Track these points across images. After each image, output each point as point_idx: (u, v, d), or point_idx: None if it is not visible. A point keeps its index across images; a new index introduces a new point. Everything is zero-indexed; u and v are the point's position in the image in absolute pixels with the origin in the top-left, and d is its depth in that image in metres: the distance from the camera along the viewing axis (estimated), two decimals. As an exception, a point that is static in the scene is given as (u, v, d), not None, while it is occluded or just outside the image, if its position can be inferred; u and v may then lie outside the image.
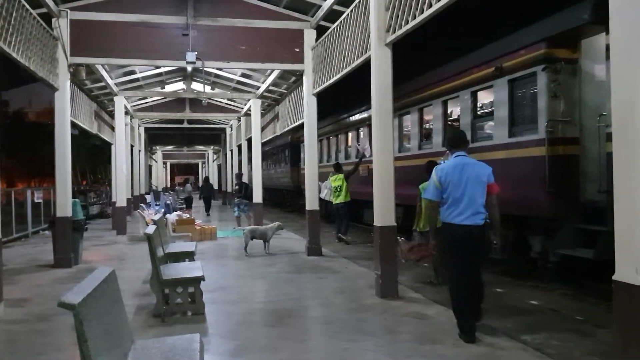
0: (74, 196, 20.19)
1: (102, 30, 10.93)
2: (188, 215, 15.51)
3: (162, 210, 15.21)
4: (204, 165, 54.92)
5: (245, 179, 18.83)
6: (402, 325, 6.19)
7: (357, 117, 17.20)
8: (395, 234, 7.76)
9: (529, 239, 9.16)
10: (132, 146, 24.88)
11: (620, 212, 3.45)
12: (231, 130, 28.43)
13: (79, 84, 13.92)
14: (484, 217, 5.50)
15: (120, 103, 16.33)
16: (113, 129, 17.63)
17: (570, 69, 8.12)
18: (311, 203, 11.81)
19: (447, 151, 5.95)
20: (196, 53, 10.90)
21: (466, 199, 5.45)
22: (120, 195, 16.02)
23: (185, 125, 28.22)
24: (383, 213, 7.60)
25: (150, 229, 6.97)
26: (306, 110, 11.79)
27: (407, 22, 6.81)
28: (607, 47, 7.46)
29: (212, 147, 41.34)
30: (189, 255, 8.83)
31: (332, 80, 10.16)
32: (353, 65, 8.91)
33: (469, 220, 5.42)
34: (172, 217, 13.62)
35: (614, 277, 3.50)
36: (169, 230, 12.41)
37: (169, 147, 43.36)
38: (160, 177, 48.23)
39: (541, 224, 8.66)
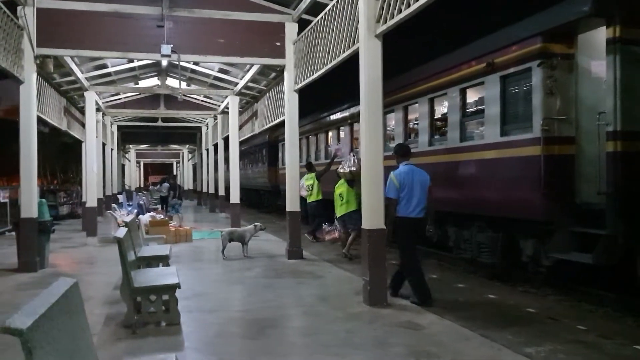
0: (42, 196, 19.49)
1: (71, 20, 10.28)
2: (162, 216, 14.87)
3: (135, 211, 14.55)
4: (178, 164, 53.97)
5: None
6: (393, 336, 5.73)
7: (338, 115, 16.76)
8: (385, 237, 7.31)
9: (520, 243, 8.80)
10: (104, 144, 24.10)
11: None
12: (207, 129, 27.76)
13: (46, 77, 13.19)
14: (424, 212, 7.34)
15: (91, 99, 15.57)
16: (83, 125, 16.87)
17: (567, 65, 7.78)
18: (292, 204, 11.31)
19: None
20: (171, 46, 10.31)
21: (416, 198, 7.21)
22: (91, 195, 15.31)
23: (160, 123, 27.43)
24: (372, 215, 7.14)
25: (121, 232, 6.41)
26: (287, 107, 11.27)
27: (399, 11, 6.36)
28: (607, 42, 7.14)
29: (187, 146, 40.54)
30: (163, 260, 8.29)
31: (315, 75, 9.68)
32: (339, 58, 8.44)
33: (420, 214, 7.23)
34: (145, 218, 12.99)
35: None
36: (142, 232, 11.78)
37: (143, 146, 42.41)
38: (134, 176, 47.18)
39: (534, 226, 8.30)
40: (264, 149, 27.06)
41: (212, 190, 27.22)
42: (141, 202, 16.85)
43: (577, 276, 8.22)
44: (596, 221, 7.24)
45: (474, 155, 9.41)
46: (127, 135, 33.13)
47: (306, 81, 10.28)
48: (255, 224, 11.95)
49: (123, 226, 8.60)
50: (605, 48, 7.16)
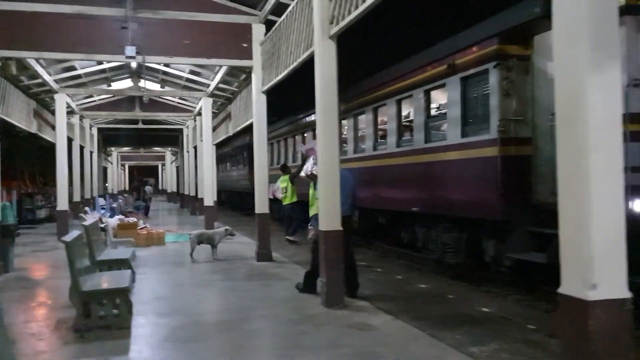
0: (19, 199, 19.28)
1: (34, 22, 10.22)
2: (135, 219, 14.78)
3: (107, 214, 14.49)
4: (163, 167, 53.71)
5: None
6: (344, 337, 5.72)
7: (313, 117, 16.74)
8: (342, 239, 7.31)
9: (482, 243, 8.84)
10: (83, 147, 23.96)
11: (566, 218, 3.06)
12: (188, 130, 27.64)
13: (12, 79, 13.06)
14: (350, 210, 7.84)
15: (61, 101, 15.44)
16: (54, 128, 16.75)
17: (523, 66, 7.82)
18: (261, 206, 11.31)
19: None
20: (136, 47, 10.27)
21: (343, 197, 7.36)
22: (62, 198, 15.17)
23: (141, 125, 27.29)
24: (329, 217, 7.13)
25: (70, 235, 6.36)
26: (255, 109, 11.25)
27: (349, 12, 6.37)
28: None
29: (169, 148, 40.31)
30: (124, 263, 8.22)
31: (279, 77, 9.67)
32: (299, 60, 8.45)
33: (346, 212, 7.50)
34: (113, 221, 12.90)
35: (559, 290, 3.10)
36: (110, 235, 11.72)
37: (126, 149, 42.16)
38: (117, 179, 46.81)
39: (494, 226, 8.35)
40: (244, 150, 26.95)
41: (193, 193, 27.08)
42: (114, 205, 16.75)
43: (544, 276, 8.23)
44: (551, 221, 7.25)
45: (438, 157, 9.45)
46: (109, 138, 32.90)
47: (272, 82, 10.26)
48: (226, 227, 11.92)
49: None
50: (558, 49, 7.19)
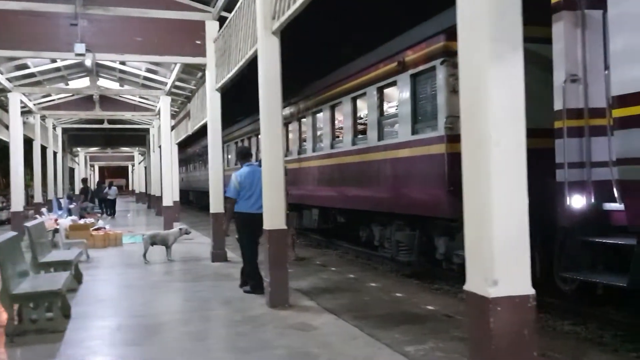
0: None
1: (-21, 18, 9.92)
2: (92, 220, 14.49)
3: (64, 215, 14.18)
4: (133, 167, 53.00)
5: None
6: (282, 338, 5.63)
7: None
8: (286, 237, 7.23)
9: (434, 240, 8.83)
10: (45, 147, 23.47)
11: (470, 219, 3.01)
12: (154, 130, 27.24)
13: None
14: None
15: (15, 100, 15.05)
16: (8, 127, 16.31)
17: (470, 63, 7.80)
18: (215, 206, 11.15)
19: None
20: (85, 44, 10.04)
21: (256, 195, 7.53)
22: (17, 199, 14.81)
23: (107, 125, 26.80)
24: (273, 216, 7.03)
25: (1, 237, 6.14)
26: (209, 108, 11.09)
27: (289, 7, 6.28)
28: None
29: (137, 148, 39.70)
30: (69, 265, 8.01)
31: (230, 74, 9.55)
32: (246, 57, 8.33)
33: (259, 210, 7.29)
34: (66, 222, 12.61)
35: (464, 287, 3.05)
36: (62, 236, 11.47)
37: (93, 149, 41.45)
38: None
39: (444, 224, 8.33)
40: (211, 150, 26.65)
41: (159, 193, 26.70)
42: (71, 207, 16.42)
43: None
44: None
45: (390, 154, 9.42)
46: (74, 138, 32.29)
47: (224, 80, 10.13)
48: (181, 227, 11.74)
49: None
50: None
